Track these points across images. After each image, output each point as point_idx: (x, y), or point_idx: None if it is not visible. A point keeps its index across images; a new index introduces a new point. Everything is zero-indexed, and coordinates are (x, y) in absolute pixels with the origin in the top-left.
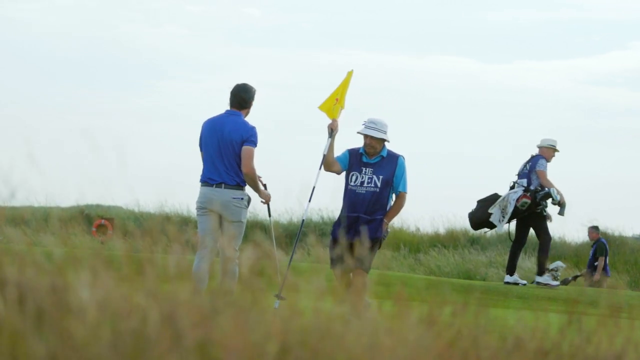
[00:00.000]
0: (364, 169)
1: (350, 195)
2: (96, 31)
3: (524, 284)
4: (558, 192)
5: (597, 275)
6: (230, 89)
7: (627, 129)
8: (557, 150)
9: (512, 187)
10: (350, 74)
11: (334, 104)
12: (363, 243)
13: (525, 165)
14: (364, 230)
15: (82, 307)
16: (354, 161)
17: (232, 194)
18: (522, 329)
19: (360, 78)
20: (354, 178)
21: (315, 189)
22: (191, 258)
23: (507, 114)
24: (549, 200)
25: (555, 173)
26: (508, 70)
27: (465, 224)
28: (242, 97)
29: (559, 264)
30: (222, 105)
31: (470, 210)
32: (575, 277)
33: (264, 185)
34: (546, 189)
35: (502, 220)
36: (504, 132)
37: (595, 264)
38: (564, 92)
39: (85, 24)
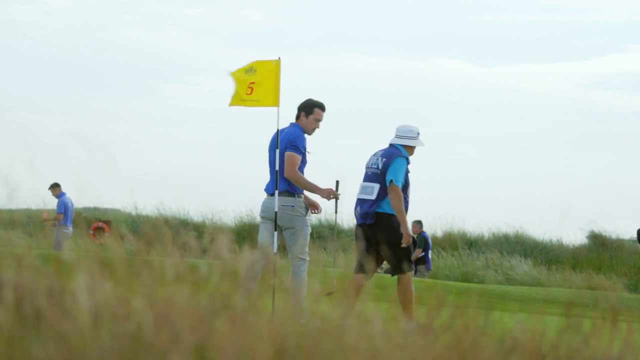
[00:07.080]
0: None
1: (406, 203)
2: (96, 34)
3: None
4: None
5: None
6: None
7: (625, 132)
8: None
9: None
10: (278, 63)
11: (245, 92)
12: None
13: None
14: None
15: (80, 310)
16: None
17: (282, 201)
18: (519, 332)
19: (361, 82)
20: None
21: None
22: (190, 261)
23: (506, 116)
24: None
25: (554, 175)
26: (507, 73)
27: (463, 225)
28: (298, 108)
29: None
30: (223, 107)
31: (638, 228)
32: None
33: (337, 182)
34: None
35: None
36: (503, 134)
37: (419, 256)
38: (562, 95)
39: (86, 27)
